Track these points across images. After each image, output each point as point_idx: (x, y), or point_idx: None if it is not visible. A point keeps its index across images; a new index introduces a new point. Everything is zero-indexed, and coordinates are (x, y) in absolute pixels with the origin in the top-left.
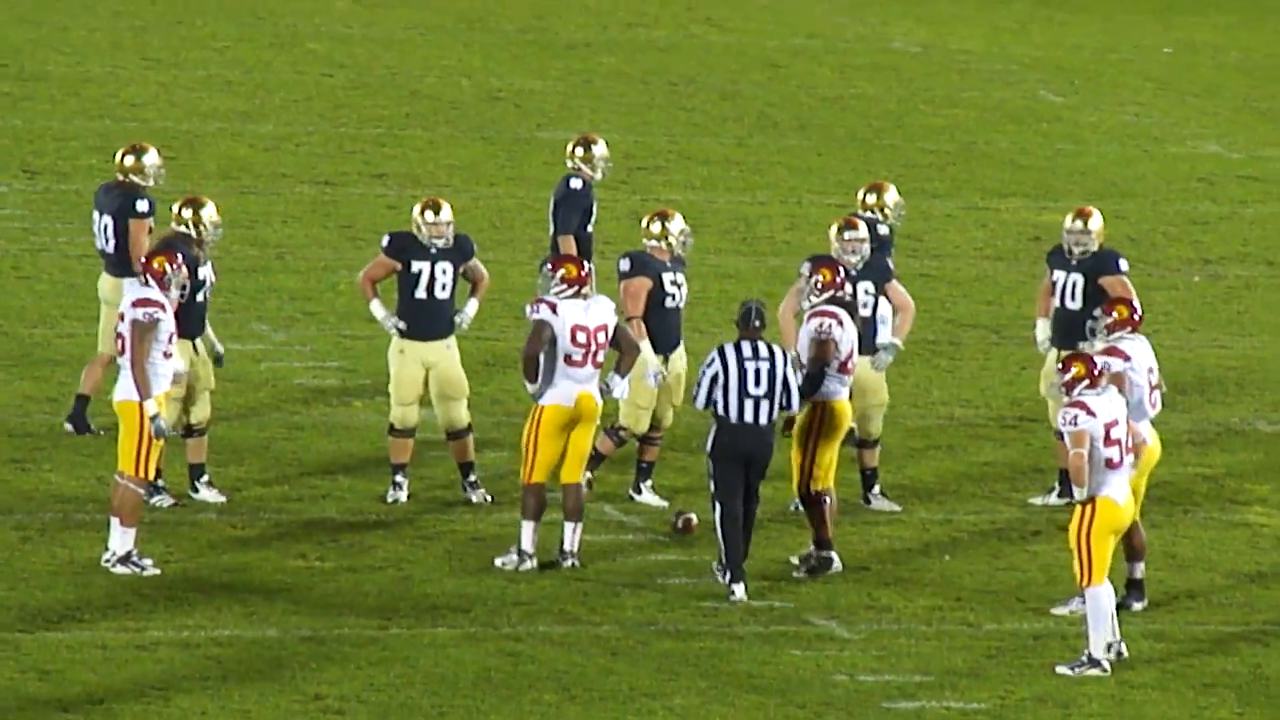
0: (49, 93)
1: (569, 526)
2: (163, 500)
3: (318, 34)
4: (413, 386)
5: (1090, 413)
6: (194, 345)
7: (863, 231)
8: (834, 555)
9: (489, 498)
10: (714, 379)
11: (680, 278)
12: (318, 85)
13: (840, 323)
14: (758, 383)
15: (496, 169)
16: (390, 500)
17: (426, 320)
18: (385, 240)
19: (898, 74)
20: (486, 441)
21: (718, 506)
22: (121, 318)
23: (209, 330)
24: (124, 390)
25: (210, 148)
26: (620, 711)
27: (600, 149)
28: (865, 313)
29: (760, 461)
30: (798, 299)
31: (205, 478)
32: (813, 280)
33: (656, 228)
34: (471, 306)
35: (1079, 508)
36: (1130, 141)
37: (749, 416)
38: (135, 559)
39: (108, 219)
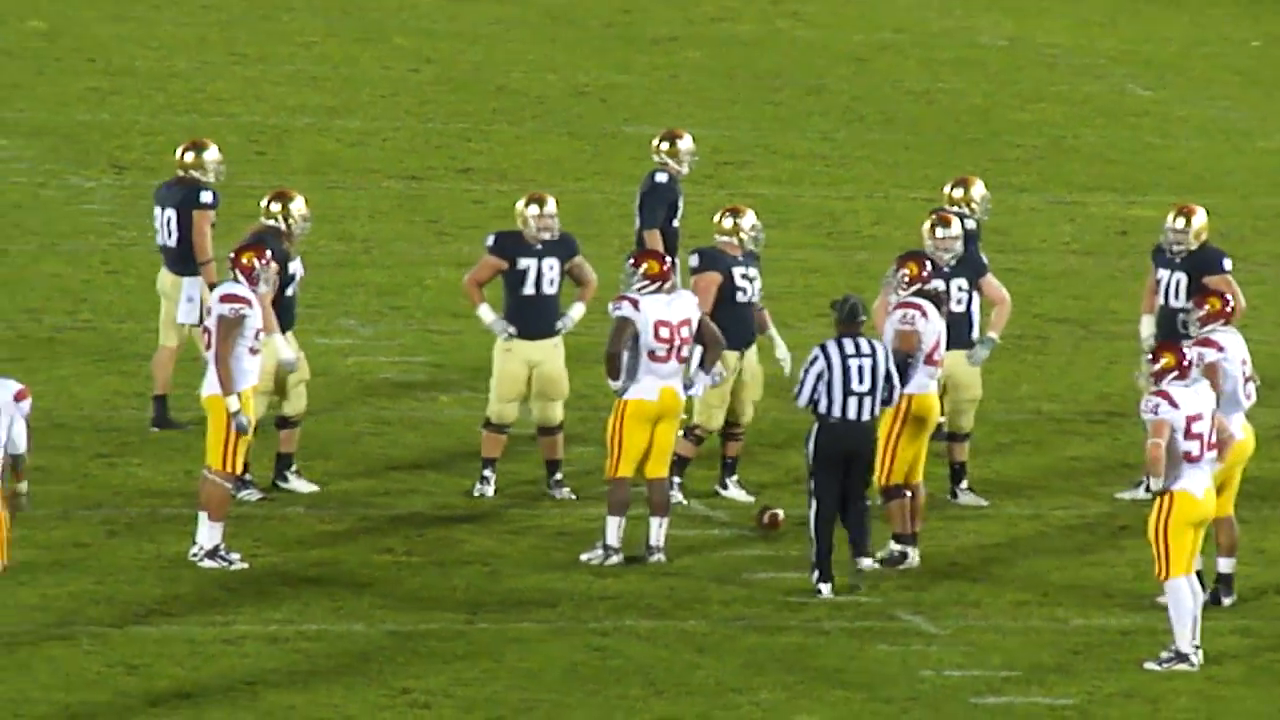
0: (136, 88)
1: (655, 521)
2: (251, 494)
3: (404, 29)
4: (515, 384)
5: (1173, 404)
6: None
7: (956, 229)
8: (910, 550)
9: (574, 495)
10: (819, 376)
11: (753, 272)
12: (404, 80)
13: (924, 314)
14: (861, 379)
15: (583, 164)
16: (477, 494)
17: (534, 317)
18: (490, 240)
19: (984, 68)
20: (573, 436)
21: (814, 504)
22: (208, 313)
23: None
24: (211, 385)
25: (297, 143)
26: (706, 706)
27: (686, 143)
28: (959, 309)
29: (865, 459)
30: (888, 294)
31: (294, 468)
32: (899, 274)
33: (728, 223)
34: (577, 309)
35: (1157, 500)
36: (1218, 136)
37: (852, 414)
38: (223, 553)
39: (170, 213)
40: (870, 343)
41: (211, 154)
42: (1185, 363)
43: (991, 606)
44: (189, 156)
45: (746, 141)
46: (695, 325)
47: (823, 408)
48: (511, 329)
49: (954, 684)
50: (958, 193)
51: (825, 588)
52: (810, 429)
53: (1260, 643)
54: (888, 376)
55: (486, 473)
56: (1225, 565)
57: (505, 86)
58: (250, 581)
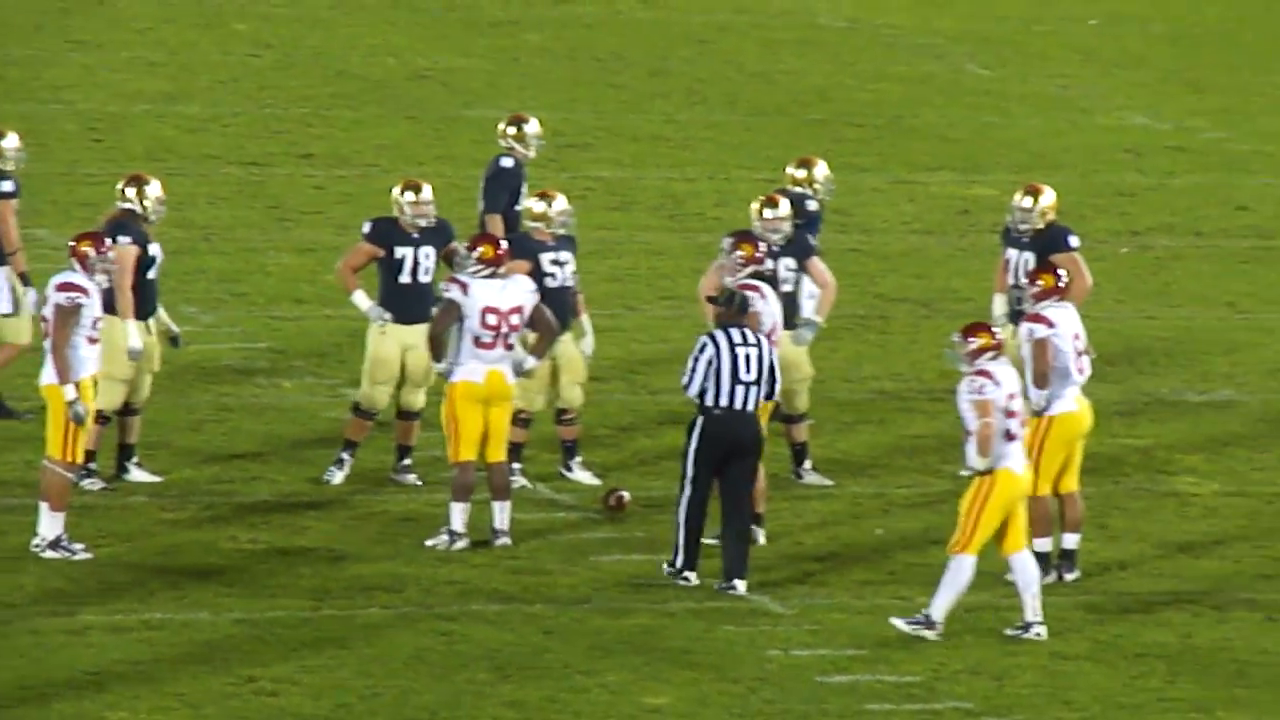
0: None
1: (497, 506)
2: (94, 484)
3: (242, 14)
4: (390, 367)
5: (995, 382)
6: (147, 326)
7: (784, 209)
8: (757, 531)
9: (419, 481)
10: (709, 364)
11: (564, 256)
12: (244, 66)
13: (762, 295)
14: (749, 369)
15: (424, 148)
16: (325, 479)
17: (410, 304)
18: (366, 227)
19: (824, 49)
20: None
21: (689, 490)
22: (45, 302)
23: (162, 311)
24: (49, 374)
25: (136, 129)
26: (554, 689)
27: (533, 127)
28: (787, 288)
29: (750, 448)
30: (719, 275)
31: (135, 459)
32: (734, 256)
33: (537, 208)
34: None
35: (978, 478)
36: (1057, 113)
37: (739, 404)
38: (65, 543)
39: None
40: (756, 335)
41: (10, 142)
42: (998, 341)
43: (837, 585)
44: None
45: (589, 124)
46: (529, 312)
47: (709, 398)
48: (387, 315)
49: (801, 663)
50: (800, 173)
51: (692, 575)
52: (694, 419)
53: (1104, 618)
54: (771, 369)
55: (345, 455)
56: (1070, 541)
57: (345, 71)
58: (93, 572)
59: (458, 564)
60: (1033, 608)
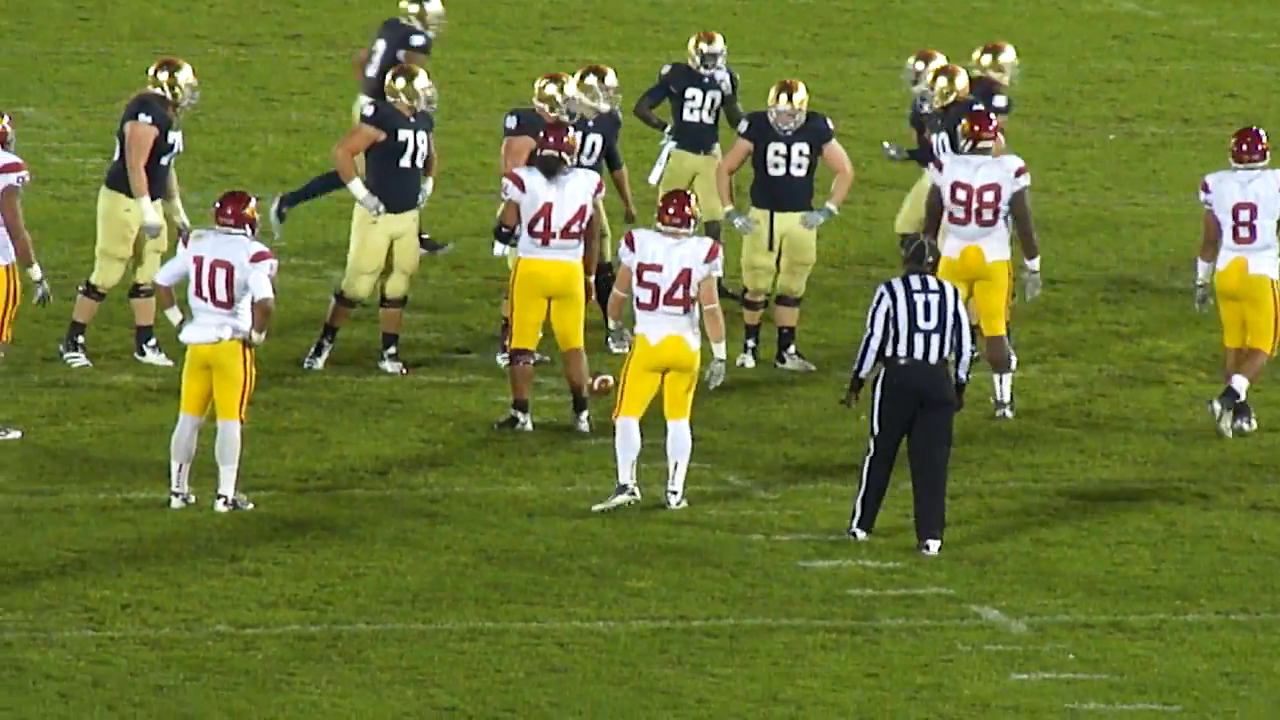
0: None
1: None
2: (76, 359)
3: None
4: (377, 256)
5: (631, 248)
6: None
7: (800, 97)
8: (520, 416)
9: (404, 370)
10: (886, 314)
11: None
12: None
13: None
14: (928, 316)
15: None
16: (305, 365)
17: (403, 190)
18: (369, 110)
19: None
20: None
21: (873, 447)
22: None
23: (177, 200)
24: None
25: (123, 8)
26: (536, 572)
27: (434, 5)
28: (800, 173)
29: (935, 399)
30: (735, 158)
31: (152, 341)
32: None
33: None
34: (429, 184)
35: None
36: (1045, 0)
37: (919, 353)
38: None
39: None
40: (939, 282)
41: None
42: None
43: (820, 470)
44: None
45: (576, 7)
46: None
47: (889, 348)
48: (381, 206)
49: (783, 548)
50: (987, 58)
51: (861, 533)
52: (878, 372)
53: (1087, 505)
54: (956, 317)
55: (325, 342)
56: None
57: None
58: (77, 451)
59: (441, 446)
60: (675, 477)
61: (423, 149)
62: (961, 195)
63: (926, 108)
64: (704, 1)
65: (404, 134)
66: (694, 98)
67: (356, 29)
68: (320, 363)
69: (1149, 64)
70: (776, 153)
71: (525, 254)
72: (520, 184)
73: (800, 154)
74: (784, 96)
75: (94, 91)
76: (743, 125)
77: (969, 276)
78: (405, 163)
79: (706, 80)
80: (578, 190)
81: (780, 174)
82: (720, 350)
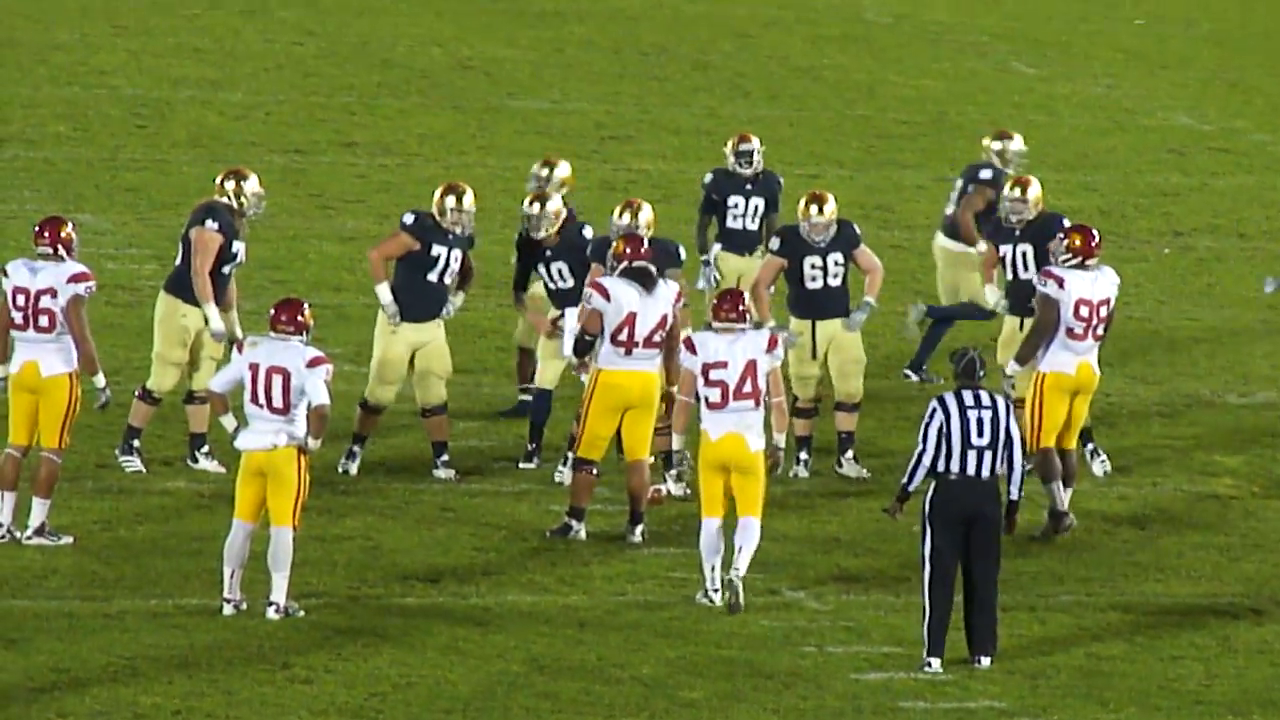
0: (17, 59)
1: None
2: (131, 464)
3: (288, 1)
4: (398, 367)
5: (694, 351)
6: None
7: (830, 209)
8: (575, 524)
9: (456, 477)
10: (939, 430)
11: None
12: (288, 53)
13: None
14: (980, 432)
15: (467, 138)
16: (341, 470)
17: (428, 302)
18: (409, 219)
19: (869, 44)
20: (456, 413)
21: (929, 569)
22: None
23: (234, 312)
24: (55, 365)
25: (180, 115)
26: (588, 681)
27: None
28: (836, 282)
29: (987, 518)
30: (769, 271)
31: (205, 448)
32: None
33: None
34: (460, 297)
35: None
36: (1102, 113)
37: (971, 469)
38: (50, 532)
39: None
40: (991, 395)
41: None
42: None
43: (873, 582)
44: None
45: (631, 116)
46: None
47: (941, 464)
48: (399, 314)
49: (836, 660)
50: (996, 145)
51: (935, 662)
52: (927, 489)
53: (1141, 619)
54: (1008, 433)
55: (356, 448)
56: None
57: (390, 60)
58: (129, 557)
59: (494, 554)
60: (739, 559)
61: (454, 266)
62: (1085, 312)
63: (1015, 219)
64: (760, 113)
65: (438, 249)
66: (736, 205)
67: (412, 136)
68: (354, 468)
69: (1204, 178)
70: (813, 265)
71: (606, 365)
72: (605, 293)
73: (835, 264)
74: (815, 208)
75: (150, 198)
76: (774, 243)
77: (1075, 390)
78: (433, 277)
79: (749, 187)
80: (660, 300)
81: (818, 286)
82: (780, 440)
